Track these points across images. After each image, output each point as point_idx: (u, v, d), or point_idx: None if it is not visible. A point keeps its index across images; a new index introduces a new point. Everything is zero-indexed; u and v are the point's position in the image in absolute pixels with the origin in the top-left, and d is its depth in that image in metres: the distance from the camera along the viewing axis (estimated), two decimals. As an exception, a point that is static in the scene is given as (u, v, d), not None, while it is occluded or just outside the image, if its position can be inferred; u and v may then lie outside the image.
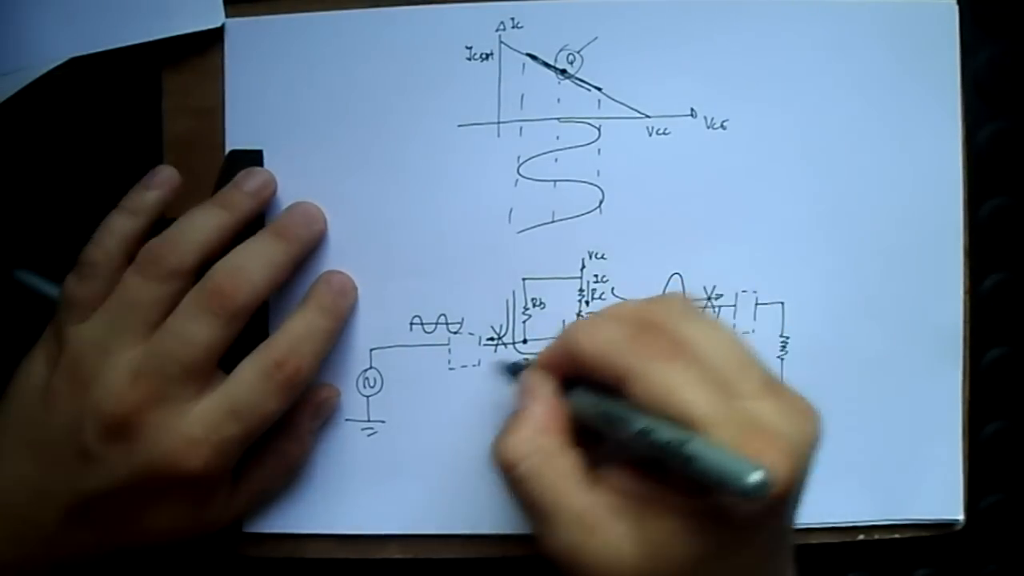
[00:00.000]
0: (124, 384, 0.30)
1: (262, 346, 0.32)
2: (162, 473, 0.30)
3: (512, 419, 0.30)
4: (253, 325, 0.32)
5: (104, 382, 0.30)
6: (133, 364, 0.30)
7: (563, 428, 0.29)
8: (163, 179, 0.34)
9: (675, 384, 0.26)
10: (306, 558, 0.37)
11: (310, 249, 0.35)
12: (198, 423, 0.31)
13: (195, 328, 0.31)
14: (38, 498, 0.31)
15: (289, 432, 0.35)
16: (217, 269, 0.31)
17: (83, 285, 0.32)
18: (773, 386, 0.27)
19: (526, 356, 0.35)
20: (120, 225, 0.33)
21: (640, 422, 0.26)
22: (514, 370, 0.33)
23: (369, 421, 0.36)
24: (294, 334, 0.32)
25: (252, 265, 0.32)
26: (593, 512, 0.27)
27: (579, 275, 0.36)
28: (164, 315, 0.31)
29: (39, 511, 0.31)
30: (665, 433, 0.25)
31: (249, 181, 0.35)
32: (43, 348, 0.32)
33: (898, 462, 0.36)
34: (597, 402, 0.28)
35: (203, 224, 0.32)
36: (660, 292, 0.36)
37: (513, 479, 0.28)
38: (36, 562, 0.31)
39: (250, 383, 0.31)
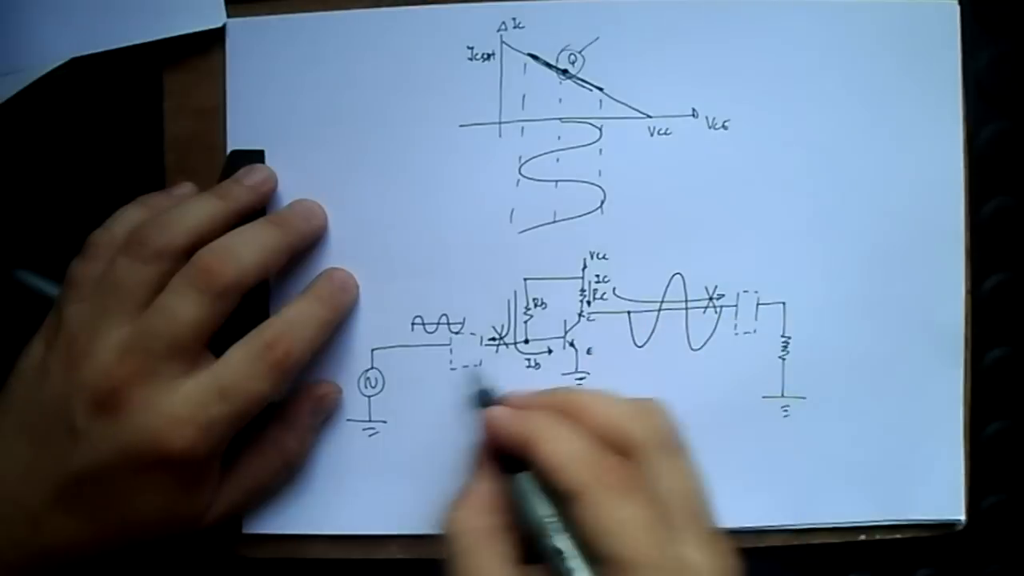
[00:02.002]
0: (112, 360, 0.30)
1: (255, 330, 0.32)
2: (147, 452, 0.30)
3: (463, 490, 0.31)
4: (252, 320, 0.32)
5: (93, 359, 0.30)
6: (122, 341, 0.30)
7: (504, 508, 0.30)
8: (184, 193, 0.35)
9: (622, 520, 0.27)
10: (306, 558, 0.37)
11: (308, 242, 0.35)
12: (184, 402, 0.30)
13: (181, 305, 0.31)
14: (28, 478, 0.31)
15: (287, 424, 0.35)
16: (206, 248, 0.31)
17: (84, 266, 0.32)
18: (715, 538, 0.29)
19: (494, 387, 0.35)
20: (131, 214, 0.34)
21: (562, 543, 0.28)
22: (482, 398, 0.33)
23: (370, 421, 0.36)
24: (287, 319, 0.32)
25: (242, 247, 0.32)
26: None
27: (580, 275, 0.36)
28: (153, 295, 0.31)
29: (28, 492, 0.31)
30: (573, 568, 0.27)
31: (249, 176, 0.35)
32: (43, 330, 0.33)
33: (899, 462, 0.36)
34: (531, 504, 0.29)
35: (196, 210, 0.32)
36: (661, 293, 0.36)
37: (454, 551, 0.30)
38: (23, 548, 0.31)
39: (239, 363, 0.31)
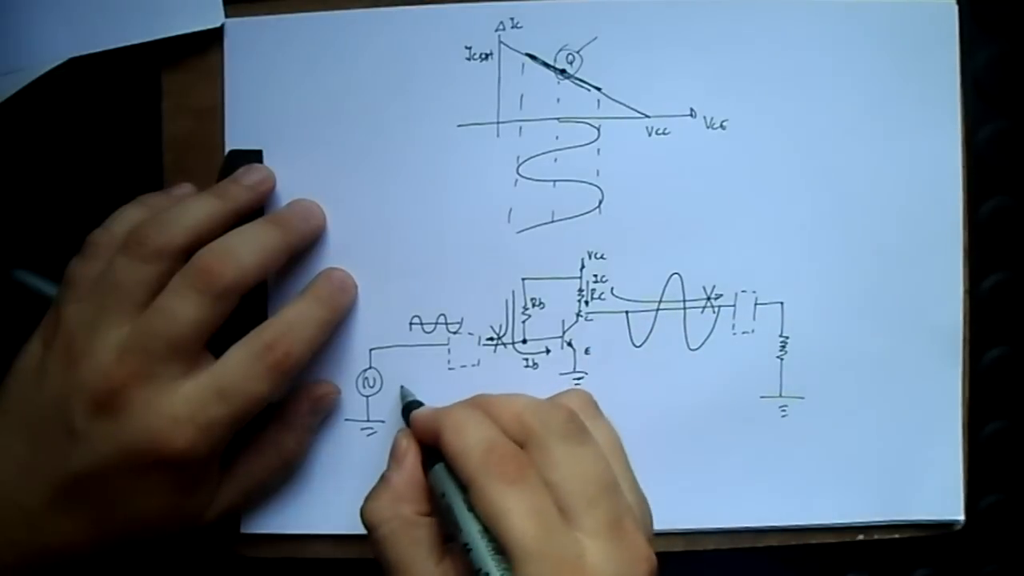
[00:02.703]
0: (111, 360, 0.30)
1: (254, 331, 0.32)
2: (146, 452, 0.30)
3: (379, 481, 0.32)
4: (251, 320, 0.32)
5: (92, 359, 0.30)
6: (121, 341, 0.30)
7: (421, 497, 0.31)
8: (182, 193, 0.35)
9: (506, 508, 0.27)
10: (304, 558, 0.37)
11: (307, 242, 0.35)
12: (183, 402, 0.30)
13: (181, 306, 0.31)
14: (26, 478, 0.31)
15: (285, 423, 0.35)
16: (206, 249, 0.31)
17: (83, 265, 0.32)
18: (618, 527, 0.28)
19: (419, 400, 0.35)
20: (131, 214, 0.34)
21: (468, 527, 0.28)
22: (408, 411, 0.34)
23: (368, 421, 0.36)
24: (287, 320, 0.32)
25: (242, 248, 0.32)
26: None
27: (579, 275, 0.36)
28: (152, 295, 0.31)
29: (26, 492, 0.31)
30: (477, 551, 0.27)
31: (248, 176, 0.35)
32: (41, 330, 0.33)
33: (898, 462, 0.36)
34: (445, 492, 0.30)
35: (195, 210, 0.32)
36: (659, 292, 0.36)
37: (374, 539, 0.30)
38: (22, 548, 0.31)
39: (238, 364, 0.31)
